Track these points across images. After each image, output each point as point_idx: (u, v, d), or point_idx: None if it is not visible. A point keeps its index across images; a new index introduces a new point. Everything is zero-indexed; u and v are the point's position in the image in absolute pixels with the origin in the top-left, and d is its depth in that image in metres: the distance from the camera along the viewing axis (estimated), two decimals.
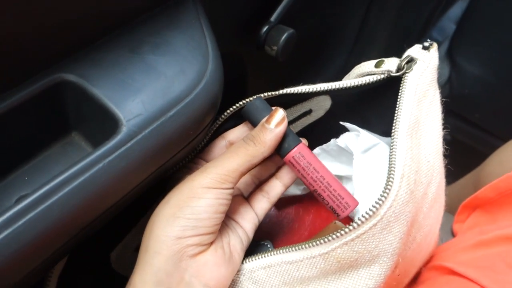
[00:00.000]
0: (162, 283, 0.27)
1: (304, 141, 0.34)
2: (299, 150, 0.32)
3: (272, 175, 0.36)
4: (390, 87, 0.36)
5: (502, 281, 0.37)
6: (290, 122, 0.42)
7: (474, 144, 0.92)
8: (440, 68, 0.93)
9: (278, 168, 0.37)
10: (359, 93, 0.40)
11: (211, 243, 0.30)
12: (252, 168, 0.31)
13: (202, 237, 0.28)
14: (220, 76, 0.32)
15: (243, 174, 0.30)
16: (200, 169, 0.30)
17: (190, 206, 0.28)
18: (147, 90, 0.28)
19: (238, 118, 0.38)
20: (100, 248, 0.37)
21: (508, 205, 0.47)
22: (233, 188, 0.30)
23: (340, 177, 0.42)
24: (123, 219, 0.36)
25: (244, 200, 0.36)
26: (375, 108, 0.41)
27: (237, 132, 0.36)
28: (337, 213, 0.32)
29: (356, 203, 0.32)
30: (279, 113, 0.31)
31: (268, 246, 0.40)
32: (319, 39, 0.66)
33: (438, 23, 0.90)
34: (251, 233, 0.34)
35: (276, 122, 0.31)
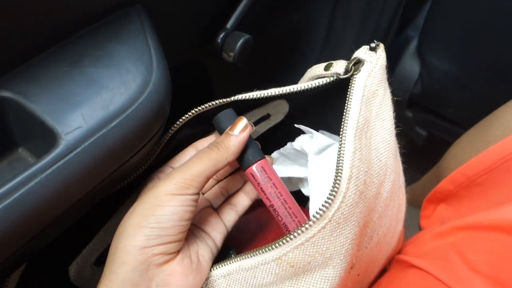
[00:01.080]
0: None
1: (269, 159, 0.35)
2: (261, 165, 0.33)
3: (239, 189, 0.38)
4: (344, 88, 0.36)
5: (452, 270, 0.38)
6: None
7: (450, 138, 0.93)
8: (410, 65, 0.93)
9: (245, 183, 0.38)
10: (314, 96, 0.40)
11: (178, 252, 0.30)
12: (216, 173, 0.31)
13: (167, 245, 0.28)
14: (165, 85, 0.32)
15: (207, 178, 0.30)
16: (165, 176, 0.30)
17: (154, 215, 0.28)
18: (87, 103, 0.28)
19: (194, 126, 0.38)
20: (56, 263, 0.36)
21: (466, 196, 0.48)
22: (198, 194, 0.30)
23: (300, 179, 0.42)
24: (79, 232, 0.36)
25: (214, 211, 0.36)
26: (332, 110, 0.41)
27: (207, 142, 0.36)
28: (289, 230, 0.32)
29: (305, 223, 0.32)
30: (243, 121, 0.32)
31: (231, 253, 0.39)
32: (285, 45, 0.66)
33: (415, 21, 0.91)
34: (220, 243, 0.34)
35: (240, 129, 0.32)
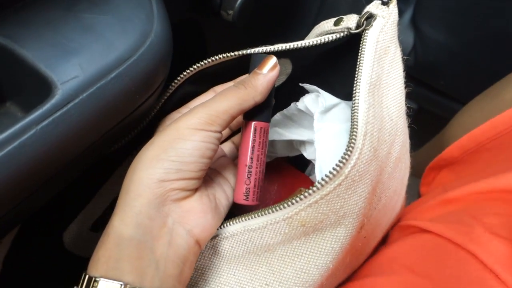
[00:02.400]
0: (143, 227, 0.25)
1: None
2: (267, 127, 0.32)
3: None
4: (351, 47, 0.35)
5: (468, 233, 0.37)
6: None
7: (440, 112, 0.93)
8: (404, 37, 0.92)
9: None
10: (320, 55, 0.38)
11: (196, 190, 0.28)
12: (241, 113, 0.29)
13: (186, 181, 0.27)
14: (167, 36, 0.29)
15: (233, 117, 0.28)
16: (187, 111, 0.28)
17: (175, 148, 0.26)
18: (84, 51, 0.26)
19: (197, 83, 0.35)
20: (50, 228, 0.34)
21: (472, 162, 0.48)
22: (220, 132, 0.28)
23: (302, 142, 0.40)
24: (75, 195, 0.34)
25: (230, 160, 0.35)
26: (338, 71, 0.40)
27: (227, 86, 0.34)
28: (248, 197, 0.31)
29: (257, 203, 0.32)
30: (272, 60, 0.30)
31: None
32: (282, 6, 0.63)
33: None
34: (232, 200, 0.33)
35: (269, 67, 0.30)
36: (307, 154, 0.42)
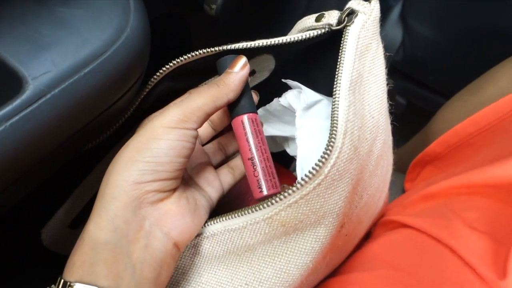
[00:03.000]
0: (119, 231, 0.25)
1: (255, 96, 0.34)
2: (254, 117, 0.32)
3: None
4: (333, 43, 0.34)
5: (448, 227, 0.37)
6: None
7: (428, 107, 0.93)
8: (393, 32, 0.92)
9: None
10: (303, 51, 0.38)
11: (174, 190, 0.28)
12: (216, 110, 0.29)
13: (162, 182, 0.26)
14: (144, 30, 0.29)
15: (207, 114, 0.28)
16: (161, 110, 0.28)
17: (149, 148, 0.26)
18: (56, 45, 0.25)
19: (176, 79, 0.35)
20: (28, 225, 0.34)
21: (455, 157, 0.48)
22: (196, 130, 0.28)
23: (285, 138, 0.40)
24: (53, 192, 0.33)
25: (212, 168, 0.34)
26: (321, 67, 0.40)
27: None
28: (261, 188, 0.30)
29: (278, 191, 0.30)
30: (242, 59, 0.31)
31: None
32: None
33: None
34: (215, 201, 0.32)
35: (240, 66, 0.31)
36: (290, 150, 0.42)
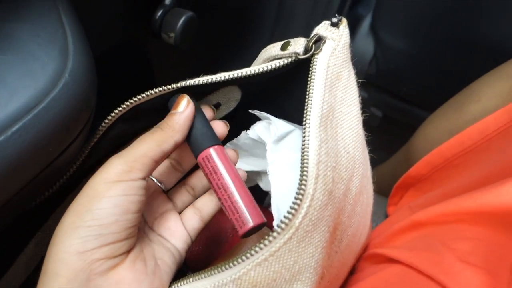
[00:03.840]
0: None
1: (232, 152, 0.31)
2: (214, 151, 0.29)
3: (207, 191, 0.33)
4: (301, 71, 0.32)
5: (439, 263, 0.34)
6: None
7: (405, 118, 0.92)
8: (364, 45, 0.90)
9: None
10: (270, 80, 0.35)
11: (128, 253, 0.24)
12: (164, 156, 0.26)
13: (111, 246, 0.23)
14: (87, 73, 0.26)
15: (154, 161, 0.25)
16: (103, 164, 0.25)
17: (90, 210, 0.22)
18: None
19: (133, 121, 0.32)
20: None
21: (439, 179, 0.46)
22: (144, 179, 0.25)
23: (257, 172, 0.37)
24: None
25: (176, 216, 0.31)
26: (290, 96, 0.37)
27: None
28: (247, 221, 0.27)
29: (260, 221, 0.27)
30: (184, 98, 0.29)
31: (185, 270, 0.34)
32: (233, 23, 0.60)
33: None
34: (183, 252, 0.29)
35: (183, 106, 0.28)
36: (263, 185, 0.39)
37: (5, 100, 0.22)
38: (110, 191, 0.23)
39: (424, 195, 0.48)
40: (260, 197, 0.43)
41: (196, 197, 0.33)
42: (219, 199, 0.28)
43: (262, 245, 0.24)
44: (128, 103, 0.29)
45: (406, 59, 0.80)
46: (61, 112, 0.24)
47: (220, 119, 0.39)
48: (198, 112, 0.30)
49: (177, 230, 0.30)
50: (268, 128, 0.34)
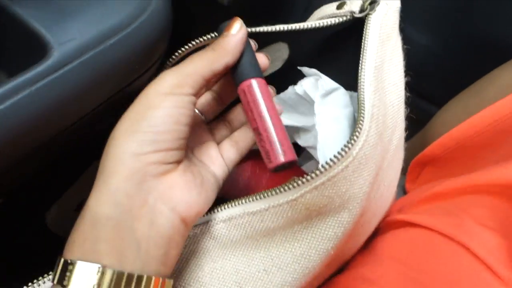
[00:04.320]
0: (121, 205, 0.23)
1: (271, 89, 0.31)
2: (257, 82, 0.29)
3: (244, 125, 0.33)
4: (351, 33, 0.34)
5: (459, 225, 0.37)
6: None
7: (420, 115, 0.94)
8: None
9: None
10: (319, 42, 0.38)
11: (178, 163, 0.26)
12: (214, 75, 0.27)
13: (164, 153, 0.24)
14: (168, 6, 0.28)
15: (204, 79, 0.26)
16: (156, 78, 0.26)
17: (146, 118, 0.24)
18: (82, 14, 0.24)
19: None
20: (32, 207, 0.32)
21: (454, 159, 0.48)
22: (194, 95, 0.26)
23: (296, 129, 0.39)
24: (61, 173, 0.31)
25: (215, 145, 0.32)
26: (336, 60, 0.39)
27: None
28: (270, 159, 0.28)
29: (293, 158, 0.27)
30: (237, 21, 0.29)
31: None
32: None
33: None
34: (221, 180, 0.31)
35: (236, 29, 0.28)
36: (302, 141, 0.41)
37: (105, 17, 0.24)
38: (163, 102, 0.24)
39: (441, 172, 0.50)
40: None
41: (233, 131, 0.34)
42: (256, 129, 0.28)
43: (320, 170, 0.26)
44: (194, 43, 0.32)
45: (428, 55, 0.82)
46: (148, 34, 0.26)
47: (266, 77, 0.42)
48: (246, 42, 0.30)
49: (217, 158, 0.31)
50: (315, 84, 0.36)
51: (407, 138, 0.71)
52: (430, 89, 0.89)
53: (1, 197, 0.26)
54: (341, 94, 0.34)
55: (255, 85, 0.29)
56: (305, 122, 0.39)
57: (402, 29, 0.85)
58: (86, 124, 0.26)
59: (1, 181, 0.23)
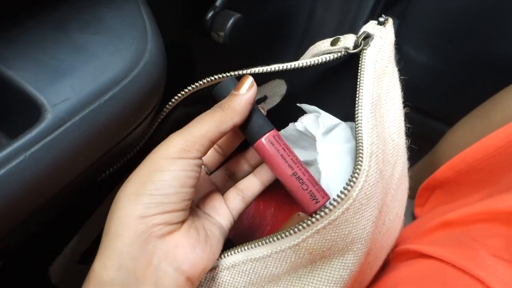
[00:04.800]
0: (125, 269, 0.23)
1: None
2: (274, 134, 0.30)
3: (248, 173, 0.34)
4: (347, 67, 0.34)
5: (473, 257, 0.36)
6: None
7: (425, 132, 0.93)
8: None
9: (254, 168, 0.34)
10: (316, 76, 0.38)
11: (182, 222, 0.26)
12: (221, 136, 0.27)
13: (170, 214, 0.25)
14: (161, 56, 0.28)
15: (211, 141, 0.27)
16: (163, 141, 0.26)
17: (153, 181, 0.24)
18: (75, 72, 0.24)
19: (190, 105, 0.34)
20: (35, 262, 0.32)
21: (464, 182, 0.47)
22: (200, 158, 0.26)
23: None
24: (63, 225, 0.31)
25: (219, 196, 0.32)
26: (333, 91, 0.39)
27: None
28: (316, 198, 0.28)
29: (329, 197, 0.29)
30: (249, 79, 0.29)
31: (232, 241, 0.36)
32: (269, 26, 0.63)
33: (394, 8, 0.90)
34: (227, 231, 0.31)
35: (246, 87, 0.28)
36: None
37: (98, 73, 0.25)
38: (171, 166, 0.25)
39: (451, 197, 0.49)
40: None
41: (235, 180, 0.35)
42: (295, 173, 0.29)
43: (322, 214, 0.26)
44: (190, 87, 0.32)
45: (429, 74, 0.82)
46: (141, 87, 0.26)
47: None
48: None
49: (221, 209, 0.31)
50: (316, 121, 0.36)
51: (415, 158, 0.71)
52: (434, 106, 0.89)
53: (1, 259, 0.26)
54: (342, 129, 0.34)
55: (277, 137, 0.29)
56: (307, 157, 0.39)
57: (402, 49, 0.85)
58: (84, 180, 0.26)
59: (2, 244, 0.23)
